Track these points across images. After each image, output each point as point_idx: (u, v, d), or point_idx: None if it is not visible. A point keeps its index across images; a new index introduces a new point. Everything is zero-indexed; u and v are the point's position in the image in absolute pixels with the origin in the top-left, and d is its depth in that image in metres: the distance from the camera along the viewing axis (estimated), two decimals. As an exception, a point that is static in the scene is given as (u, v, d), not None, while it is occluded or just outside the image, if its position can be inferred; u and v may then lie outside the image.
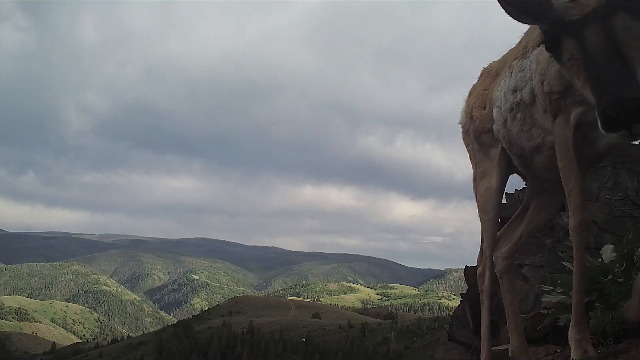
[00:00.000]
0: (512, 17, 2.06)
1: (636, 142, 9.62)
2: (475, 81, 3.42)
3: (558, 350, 3.98)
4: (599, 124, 1.81)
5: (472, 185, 3.56)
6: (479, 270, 3.62)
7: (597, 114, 1.84)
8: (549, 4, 2.00)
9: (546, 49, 2.11)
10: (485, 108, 3.14)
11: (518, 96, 2.72)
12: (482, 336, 3.65)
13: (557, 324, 4.42)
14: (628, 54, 1.85)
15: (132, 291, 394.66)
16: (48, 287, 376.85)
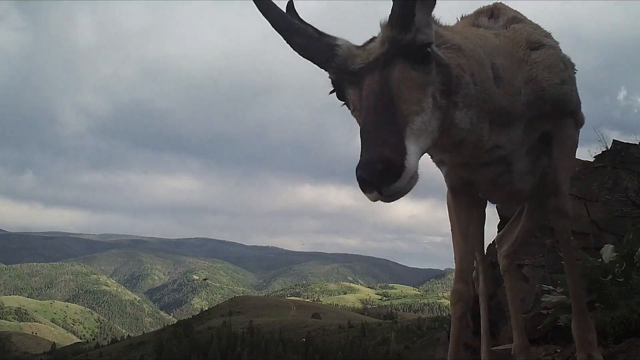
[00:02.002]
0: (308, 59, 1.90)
1: (636, 142, 9.47)
2: None
3: (558, 350, 3.98)
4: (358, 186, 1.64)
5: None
6: (474, 274, 3.66)
7: None
8: (333, 51, 1.82)
9: (337, 98, 1.94)
10: None
11: None
12: (481, 336, 3.67)
13: (557, 324, 4.43)
14: (400, 106, 1.71)
15: (132, 291, 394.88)
16: (48, 287, 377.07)
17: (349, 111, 1.93)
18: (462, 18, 2.76)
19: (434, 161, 2.71)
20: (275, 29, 1.88)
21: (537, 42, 2.60)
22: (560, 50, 2.73)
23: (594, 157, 9.07)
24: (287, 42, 1.87)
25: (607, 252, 4.42)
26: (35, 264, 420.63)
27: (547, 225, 8.69)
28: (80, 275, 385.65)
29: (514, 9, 2.86)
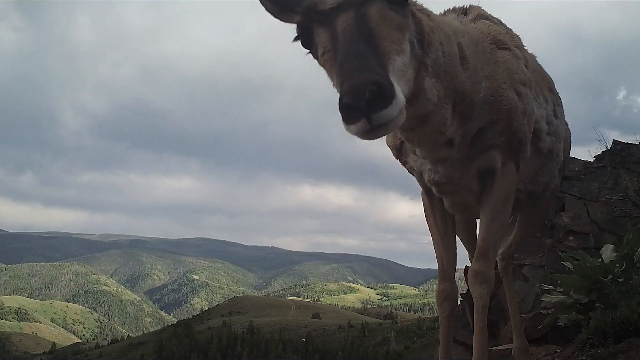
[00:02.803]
0: (273, 15, 1.82)
1: (636, 142, 9.47)
2: None
3: (558, 350, 3.98)
4: (341, 119, 1.49)
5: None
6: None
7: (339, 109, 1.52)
8: None
9: (302, 45, 1.83)
10: None
11: None
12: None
13: (557, 324, 4.43)
14: (381, 44, 1.60)
15: (132, 291, 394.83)
16: (48, 287, 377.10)
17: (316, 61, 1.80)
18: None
19: (405, 167, 2.69)
20: None
21: (504, 43, 2.48)
22: (524, 71, 2.51)
23: (594, 157, 9.07)
24: None
25: (607, 252, 4.42)
26: (35, 264, 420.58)
27: (547, 225, 8.70)
28: (80, 275, 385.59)
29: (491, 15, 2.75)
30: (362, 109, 1.40)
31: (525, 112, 2.43)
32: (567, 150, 3.44)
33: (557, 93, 3.13)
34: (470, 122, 2.30)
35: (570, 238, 8.07)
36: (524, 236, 3.72)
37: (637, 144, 8.88)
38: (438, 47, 2.00)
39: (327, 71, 1.75)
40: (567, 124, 3.46)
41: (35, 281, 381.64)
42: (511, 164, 2.48)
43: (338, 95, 1.49)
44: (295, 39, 1.81)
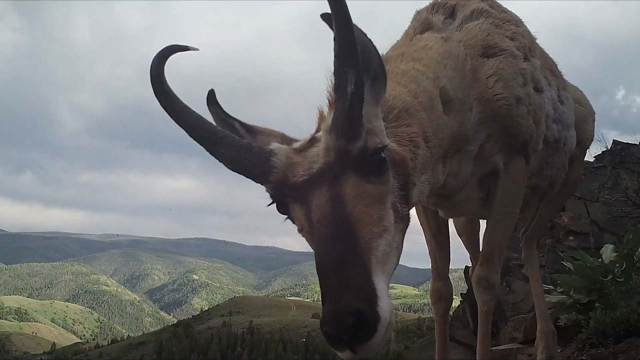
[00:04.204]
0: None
1: (636, 142, 9.50)
2: None
3: (558, 350, 3.98)
4: None
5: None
6: (470, 271, 3.70)
7: None
8: (269, 162, 1.48)
9: (278, 211, 1.61)
10: None
11: None
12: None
13: (557, 324, 4.43)
14: (361, 232, 1.40)
15: (132, 291, 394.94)
16: (48, 287, 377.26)
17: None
18: (417, 12, 2.48)
19: None
20: (193, 138, 1.52)
21: (494, 46, 2.27)
22: (521, 70, 2.31)
23: (594, 157, 9.08)
24: (211, 154, 1.52)
25: (607, 252, 4.42)
26: (35, 264, 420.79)
27: (547, 225, 8.69)
28: (80, 275, 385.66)
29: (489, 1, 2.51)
30: (344, 340, 1.27)
31: (529, 112, 2.30)
32: (589, 130, 3.36)
33: (562, 76, 3.00)
34: (466, 148, 2.18)
35: (570, 238, 8.07)
36: (544, 221, 3.68)
37: (637, 144, 8.89)
38: (424, 149, 1.83)
39: (307, 242, 1.57)
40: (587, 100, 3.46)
41: (35, 281, 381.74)
42: (517, 160, 2.37)
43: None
44: (270, 204, 1.60)
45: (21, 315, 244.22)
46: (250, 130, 1.76)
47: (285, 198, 1.52)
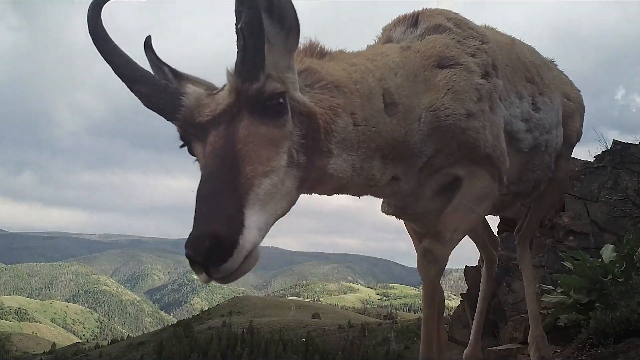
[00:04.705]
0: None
1: (636, 142, 9.48)
2: None
3: (558, 350, 3.98)
4: None
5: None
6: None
7: None
8: (179, 101, 1.56)
9: (189, 152, 1.68)
10: None
11: None
12: (472, 331, 3.74)
13: (557, 324, 4.43)
14: (245, 168, 1.46)
15: (132, 291, 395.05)
16: (48, 287, 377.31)
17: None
18: (382, 30, 2.50)
19: None
20: (117, 75, 1.62)
21: (450, 58, 2.21)
22: (475, 85, 2.20)
23: (594, 157, 9.07)
24: (131, 91, 1.61)
25: (607, 252, 4.42)
26: (35, 264, 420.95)
27: (547, 225, 8.70)
28: (80, 275, 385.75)
29: (452, 14, 2.48)
30: (200, 263, 1.32)
31: (484, 127, 2.20)
32: (574, 126, 3.30)
33: (543, 77, 2.91)
34: (412, 158, 2.13)
35: (570, 238, 8.07)
36: (536, 219, 3.67)
37: (637, 144, 8.88)
38: (347, 124, 1.85)
39: None
40: (578, 90, 3.41)
41: (35, 281, 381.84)
42: (482, 172, 2.26)
43: None
44: (182, 146, 1.68)
45: (21, 315, 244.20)
46: (178, 75, 1.83)
47: (190, 137, 1.60)
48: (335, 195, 2.05)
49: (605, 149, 9.06)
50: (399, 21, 2.45)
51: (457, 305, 10.29)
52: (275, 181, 1.53)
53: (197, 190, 1.43)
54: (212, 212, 1.38)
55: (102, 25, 1.66)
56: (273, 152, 1.55)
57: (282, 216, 1.61)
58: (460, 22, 2.44)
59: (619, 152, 8.90)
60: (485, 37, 2.45)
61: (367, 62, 2.07)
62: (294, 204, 1.67)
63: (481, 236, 3.68)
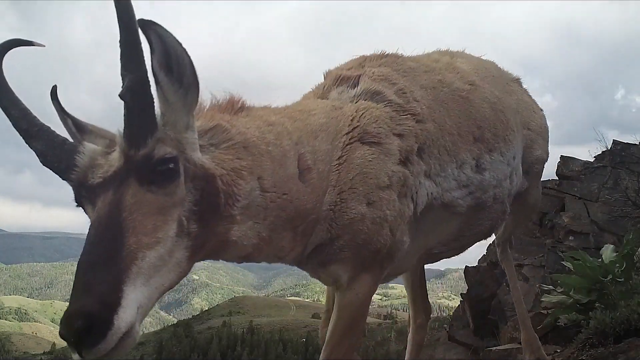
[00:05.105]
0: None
1: (636, 142, 9.51)
2: None
3: (558, 350, 3.98)
4: None
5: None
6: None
7: None
8: (73, 160, 1.47)
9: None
10: None
11: None
12: None
13: (557, 324, 4.43)
14: (129, 239, 1.36)
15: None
16: (48, 287, 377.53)
17: None
18: (327, 73, 2.39)
19: None
20: (15, 129, 1.54)
21: (375, 135, 2.05)
22: (387, 171, 2.02)
23: (594, 157, 9.08)
24: (29, 147, 1.53)
25: (607, 252, 4.43)
26: (35, 264, 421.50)
27: (547, 225, 8.70)
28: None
29: (401, 77, 2.31)
30: (72, 343, 1.26)
31: (384, 218, 2.00)
32: (533, 156, 3.13)
33: (497, 130, 2.66)
34: (308, 238, 1.96)
35: (570, 238, 8.07)
36: (515, 227, 3.62)
37: (637, 144, 8.89)
38: (252, 189, 1.71)
39: None
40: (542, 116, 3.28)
41: (35, 281, 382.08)
42: (365, 277, 2.05)
43: None
44: (78, 206, 1.57)
45: (21, 315, 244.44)
46: (81, 128, 1.73)
47: (83, 199, 1.50)
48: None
49: (605, 149, 9.07)
50: (342, 79, 2.29)
51: (457, 305, 10.29)
52: (161, 253, 1.43)
53: (78, 262, 1.35)
54: (89, 288, 1.29)
55: (2, 74, 1.60)
56: (161, 222, 1.45)
57: (171, 288, 1.51)
58: (404, 90, 2.26)
59: (619, 152, 8.90)
60: (424, 115, 2.26)
61: (288, 121, 1.94)
62: (186, 274, 1.55)
63: (415, 291, 3.38)
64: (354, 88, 2.23)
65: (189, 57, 1.50)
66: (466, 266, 9.09)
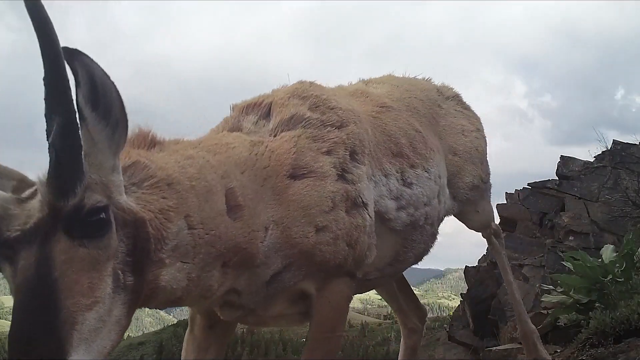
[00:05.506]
0: None
1: (636, 142, 9.53)
2: None
3: (558, 350, 3.98)
4: None
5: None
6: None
7: None
8: None
9: None
10: None
11: None
12: None
13: (557, 324, 4.43)
14: (66, 303, 1.23)
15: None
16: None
17: None
18: (233, 107, 2.25)
19: None
20: None
21: (303, 167, 2.00)
22: (327, 194, 2.00)
23: (594, 157, 9.09)
24: None
25: (607, 252, 4.43)
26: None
27: (547, 225, 8.70)
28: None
29: (307, 90, 2.25)
30: None
31: (337, 237, 2.00)
32: (462, 183, 3.01)
33: (417, 148, 2.61)
34: (256, 269, 1.90)
35: (570, 238, 8.08)
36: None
37: (637, 144, 8.89)
38: (180, 229, 1.63)
39: None
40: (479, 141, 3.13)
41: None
42: (336, 283, 2.07)
43: None
44: None
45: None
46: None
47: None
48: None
49: (605, 149, 9.07)
50: (249, 107, 2.19)
51: (457, 305, 10.30)
52: (101, 313, 1.30)
53: (9, 332, 1.21)
54: (32, 339, 1.17)
55: None
56: (96, 279, 1.31)
57: (114, 349, 1.39)
58: (317, 102, 2.20)
59: (619, 152, 8.91)
60: (344, 119, 2.21)
61: (208, 154, 1.83)
62: (126, 330, 1.43)
63: (396, 299, 3.33)
64: (268, 118, 2.13)
65: (117, 91, 1.38)
66: (466, 266, 9.11)
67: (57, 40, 1.25)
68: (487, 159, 3.35)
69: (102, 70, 1.35)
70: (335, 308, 2.09)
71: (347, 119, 2.23)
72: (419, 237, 2.56)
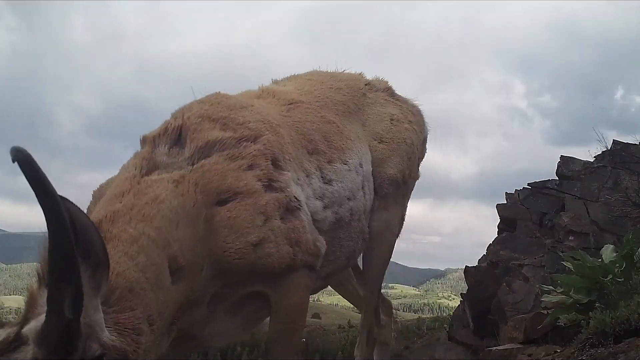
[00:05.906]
0: None
1: (636, 142, 9.53)
2: None
3: (558, 350, 3.98)
4: None
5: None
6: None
7: None
8: None
9: None
10: None
11: None
12: None
13: (557, 324, 4.43)
14: None
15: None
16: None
17: None
18: (142, 139, 2.17)
19: None
20: None
21: (227, 190, 1.98)
22: (265, 187, 2.05)
23: (594, 157, 9.08)
24: None
25: (607, 252, 4.42)
26: (35, 264, 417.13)
27: (547, 225, 8.70)
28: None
29: (216, 107, 2.24)
30: None
31: (278, 244, 2.03)
32: (387, 172, 2.91)
33: (332, 142, 2.59)
34: (197, 304, 1.94)
35: (570, 238, 8.07)
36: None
37: (637, 144, 8.88)
38: (146, 332, 1.63)
39: None
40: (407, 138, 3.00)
41: (35, 281, 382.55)
42: (290, 277, 2.10)
43: None
44: None
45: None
46: None
47: None
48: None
49: (605, 149, 9.06)
50: (157, 138, 2.10)
51: (457, 305, 10.30)
52: None
53: None
54: None
55: None
56: None
57: None
58: (226, 121, 2.17)
59: (619, 152, 8.90)
60: (257, 130, 2.20)
61: (146, 226, 1.74)
62: None
63: (352, 293, 3.33)
64: (180, 143, 2.06)
65: (97, 232, 1.40)
66: (466, 266, 9.10)
67: (64, 213, 1.26)
68: (418, 162, 3.21)
69: (84, 214, 1.39)
70: (293, 301, 2.13)
71: (259, 129, 2.22)
72: (345, 234, 2.54)
